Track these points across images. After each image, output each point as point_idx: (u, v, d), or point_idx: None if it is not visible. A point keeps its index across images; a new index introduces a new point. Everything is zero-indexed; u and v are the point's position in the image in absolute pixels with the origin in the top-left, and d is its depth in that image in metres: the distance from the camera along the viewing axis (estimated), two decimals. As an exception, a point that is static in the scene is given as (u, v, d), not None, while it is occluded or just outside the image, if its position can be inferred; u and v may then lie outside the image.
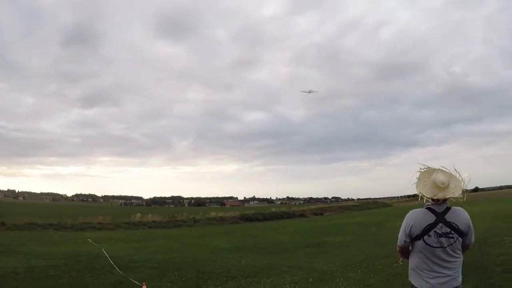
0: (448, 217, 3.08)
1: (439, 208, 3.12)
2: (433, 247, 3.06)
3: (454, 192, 3.11)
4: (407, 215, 3.28)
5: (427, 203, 3.18)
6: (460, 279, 3.11)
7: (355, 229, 18.67)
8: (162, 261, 9.81)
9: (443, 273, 3.08)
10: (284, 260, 9.81)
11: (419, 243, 3.13)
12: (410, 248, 3.26)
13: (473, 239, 3.18)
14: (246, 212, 30.48)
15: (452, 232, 3.04)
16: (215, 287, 7.12)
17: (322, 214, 34.20)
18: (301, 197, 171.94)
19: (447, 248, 3.05)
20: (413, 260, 3.24)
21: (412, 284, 3.23)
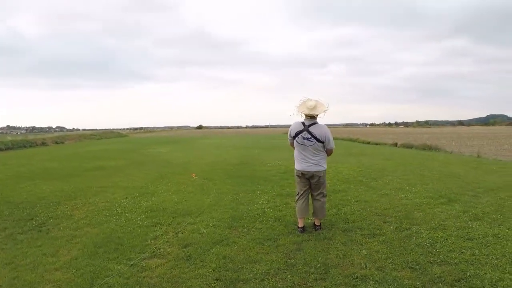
0: (311, 128, 4.82)
1: (308, 122, 4.84)
2: (301, 144, 4.85)
3: (317, 112, 4.81)
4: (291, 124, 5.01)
5: (304, 119, 4.88)
6: (322, 168, 4.96)
7: (118, 155, 18.84)
8: None
9: (309, 161, 4.91)
10: (85, 183, 9.45)
11: (295, 142, 4.91)
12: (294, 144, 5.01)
13: (331, 146, 4.94)
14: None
15: (312, 138, 4.80)
16: (50, 210, 6.49)
17: (63, 143, 31.87)
18: (23, 126, 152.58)
19: (310, 147, 4.84)
20: (295, 152, 5.03)
21: (295, 167, 5.05)
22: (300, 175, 4.98)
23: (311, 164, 4.87)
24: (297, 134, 4.85)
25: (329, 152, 5.01)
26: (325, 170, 5.00)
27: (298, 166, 4.96)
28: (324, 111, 4.83)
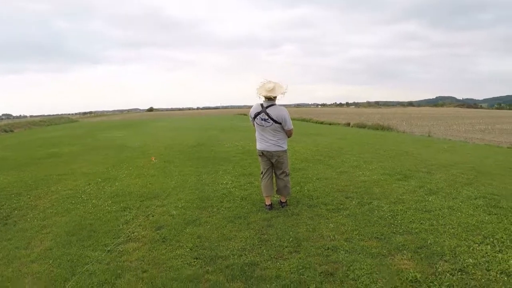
0: (269, 110, 4.95)
1: (266, 104, 4.98)
2: (259, 125, 5.02)
3: (275, 94, 4.93)
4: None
5: (263, 101, 4.99)
6: (281, 148, 5.11)
7: (72, 141, 18.16)
8: None
9: (268, 141, 5.07)
10: (43, 172, 9.08)
11: (255, 123, 5.08)
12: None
13: (287, 127, 5.04)
14: None
15: (269, 119, 4.94)
16: (13, 202, 6.26)
17: (12, 131, 30.16)
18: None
19: (267, 128, 5.00)
20: (256, 133, 5.21)
21: (256, 147, 5.24)
22: (261, 154, 5.18)
23: (270, 144, 5.04)
24: (256, 115, 4.99)
25: (288, 134, 5.13)
26: (285, 150, 5.14)
27: (259, 145, 5.14)
28: (283, 93, 4.95)
